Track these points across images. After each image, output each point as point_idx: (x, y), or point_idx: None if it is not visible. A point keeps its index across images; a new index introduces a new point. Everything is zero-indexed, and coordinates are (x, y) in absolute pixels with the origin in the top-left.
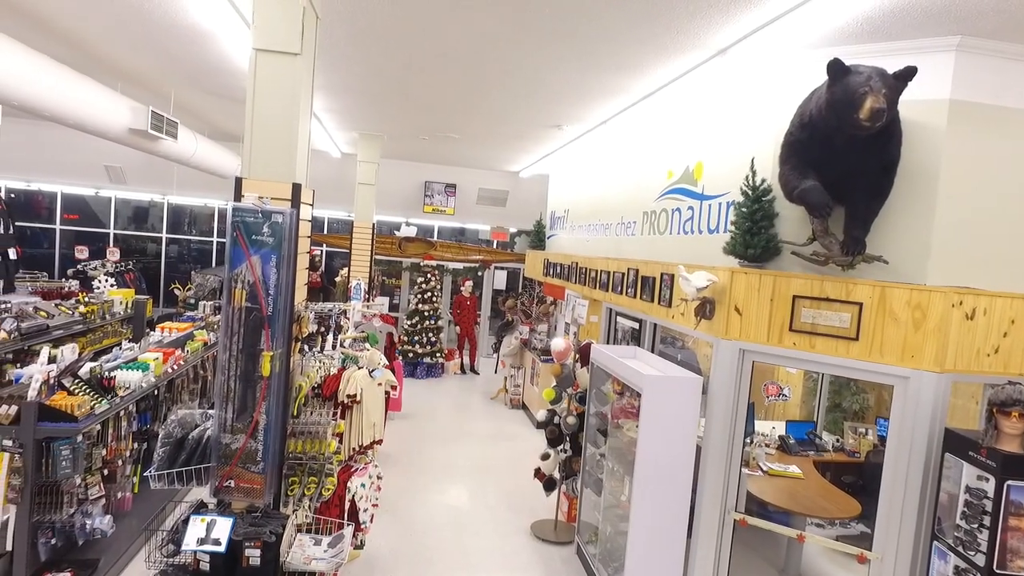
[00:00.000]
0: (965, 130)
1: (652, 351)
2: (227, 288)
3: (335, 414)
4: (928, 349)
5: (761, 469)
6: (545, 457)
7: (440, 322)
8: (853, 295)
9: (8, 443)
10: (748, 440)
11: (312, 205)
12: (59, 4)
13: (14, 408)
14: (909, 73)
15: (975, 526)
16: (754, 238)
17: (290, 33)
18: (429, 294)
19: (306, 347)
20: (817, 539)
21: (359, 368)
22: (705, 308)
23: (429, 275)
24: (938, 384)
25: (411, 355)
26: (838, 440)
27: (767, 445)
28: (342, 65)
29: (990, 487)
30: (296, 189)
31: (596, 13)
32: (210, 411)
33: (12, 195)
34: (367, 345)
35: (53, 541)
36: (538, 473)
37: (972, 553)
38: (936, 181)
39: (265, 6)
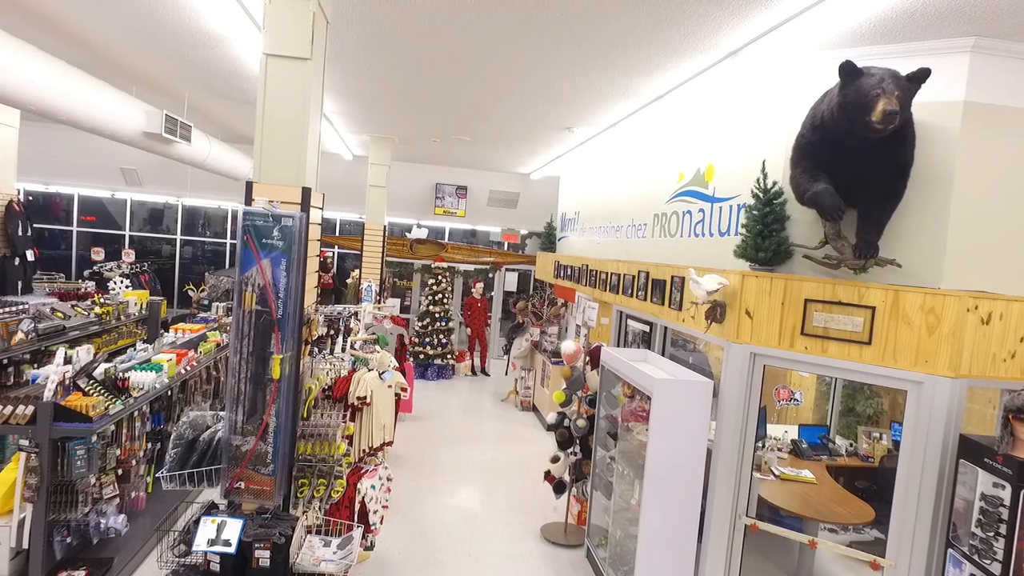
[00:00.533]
0: (980, 132)
1: (663, 354)
2: (237, 291)
3: (345, 416)
4: (942, 354)
5: (773, 473)
6: (555, 460)
7: (451, 324)
8: (866, 299)
9: (24, 443)
10: (760, 444)
11: (322, 208)
12: (75, 9)
13: (30, 408)
14: (922, 75)
15: (991, 534)
16: (765, 241)
17: (300, 38)
18: (440, 296)
19: (315, 349)
20: (829, 545)
21: (369, 370)
22: (716, 311)
23: (440, 277)
24: (952, 389)
25: (422, 357)
26: (851, 444)
27: (779, 449)
28: (353, 69)
29: (1006, 495)
30: (306, 193)
31: (606, 16)
32: (221, 413)
33: (31, 197)
34: (377, 347)
35: (68, 540)
36: (548, 476)
37: (988, 562)
38: (950, 184)
39: (276, 12)
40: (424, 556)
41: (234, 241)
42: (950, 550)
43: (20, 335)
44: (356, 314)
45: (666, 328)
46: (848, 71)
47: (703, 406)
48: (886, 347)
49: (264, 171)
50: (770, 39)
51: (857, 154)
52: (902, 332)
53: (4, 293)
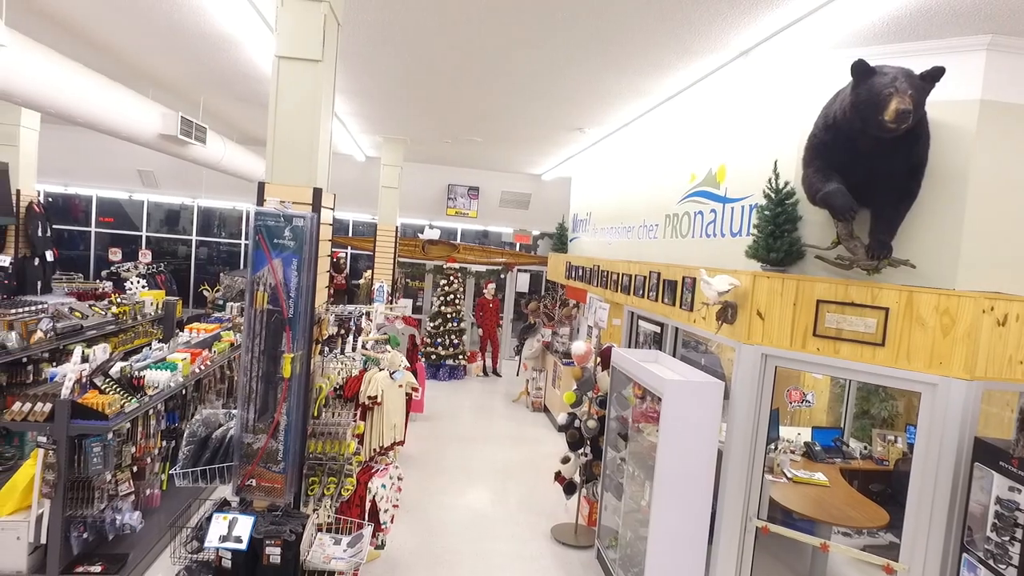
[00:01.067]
0: (996, 131)
1: (674, 355)
2: (249, 291)
3: (356, 415)
4: (957, 356)
5: (786, 476)
6: (565, 460)
7: (463, 324)
8: (879, 300)
9: (43, 440)
10: (772, 446)
11: (333, 209)
12: (92, 13)
13: (48, 406)
14: (936, 73)
15: (1006, 539)
16: (777, 241)
17: (311, 40)
18: (452, 296)
19: (326, 348)
20: (841, 548)
21: (380, 370)
22: (727, 312)
23: (452, 277)
24: (968, 392)
25: (434, 357)
26: (866, 447)
27: (792, 451)
28: (365, 70)
29: (1022, 499)
30: (317, 193)
31: (617, 16)
32: (233, 411)
33: (50, 199)
34: (388, 347)
35: (85, 535)
36: (558, 476)
37: (1003, 567)
38: (965, 183)
39: (287, 14)
40: (434, 556)
41: (248, 242)
42: (965, 555)
43: (39, 334)
44: (368, 314)
45: (677, 329)
46: (860, 70)
47: (714, 407)
48: (900, 348)
49: (276, 172)
50: (782, 38)
51: (870, 154)
52: (916, 333)
53: (24, 293)
